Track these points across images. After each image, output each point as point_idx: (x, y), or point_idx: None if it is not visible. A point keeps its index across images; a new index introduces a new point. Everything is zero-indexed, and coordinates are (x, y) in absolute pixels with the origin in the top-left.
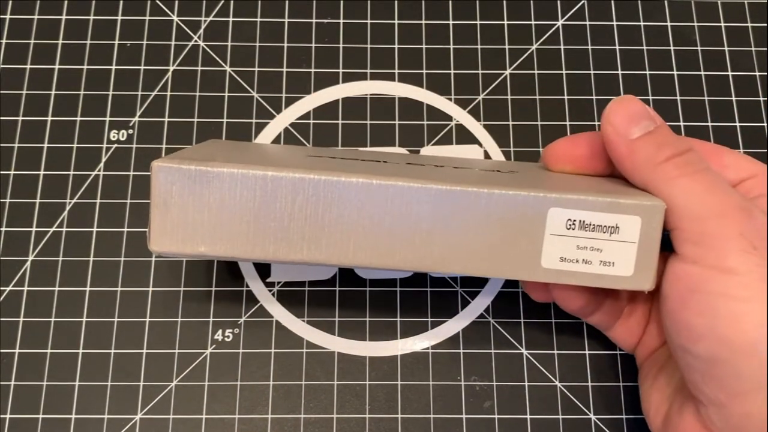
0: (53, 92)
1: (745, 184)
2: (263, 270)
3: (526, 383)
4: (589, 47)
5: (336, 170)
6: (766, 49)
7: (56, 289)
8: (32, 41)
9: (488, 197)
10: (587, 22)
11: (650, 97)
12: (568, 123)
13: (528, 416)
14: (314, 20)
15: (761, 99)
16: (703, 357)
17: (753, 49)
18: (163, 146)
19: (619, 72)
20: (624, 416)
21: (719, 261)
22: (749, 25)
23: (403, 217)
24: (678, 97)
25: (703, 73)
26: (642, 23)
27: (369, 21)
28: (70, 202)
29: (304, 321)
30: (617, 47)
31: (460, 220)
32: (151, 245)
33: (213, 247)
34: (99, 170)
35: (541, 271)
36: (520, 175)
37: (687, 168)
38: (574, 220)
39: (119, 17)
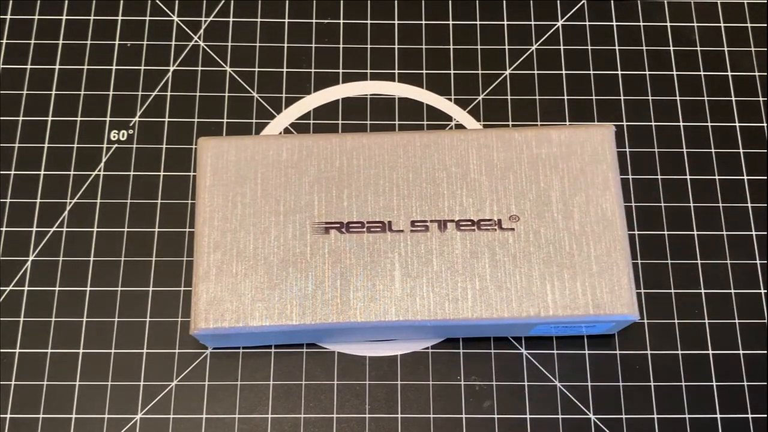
0: (53, 92)
1: None
2: None
3: (526, 383)
4: (589, 47)
5: (335, 314)
6: (766, 49)
7: (56, 289)
8: (32, 41)
9: (478, 322)
10: (587, 22)
11: (650, 97)
12: (568, 123)
13: (528, 416)
14: (314, 20)
15: (761, 99)
16: None
17: (753, 49)
18: (163, 146)
19: (619, 72)
20: (624, 416)
21: None
22: (749, 25)
23: (408, 332)
24: (678, 97)
25: (703, 73)
26: (642, 23)
27: (369, 21)
28: (70, 202)
29: None
30: (617, 47)
31: (457, 330)
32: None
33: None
34: (99, 170)
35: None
36: (523, 246)
37: None
38: (557, 325)
39: (119, 17)
